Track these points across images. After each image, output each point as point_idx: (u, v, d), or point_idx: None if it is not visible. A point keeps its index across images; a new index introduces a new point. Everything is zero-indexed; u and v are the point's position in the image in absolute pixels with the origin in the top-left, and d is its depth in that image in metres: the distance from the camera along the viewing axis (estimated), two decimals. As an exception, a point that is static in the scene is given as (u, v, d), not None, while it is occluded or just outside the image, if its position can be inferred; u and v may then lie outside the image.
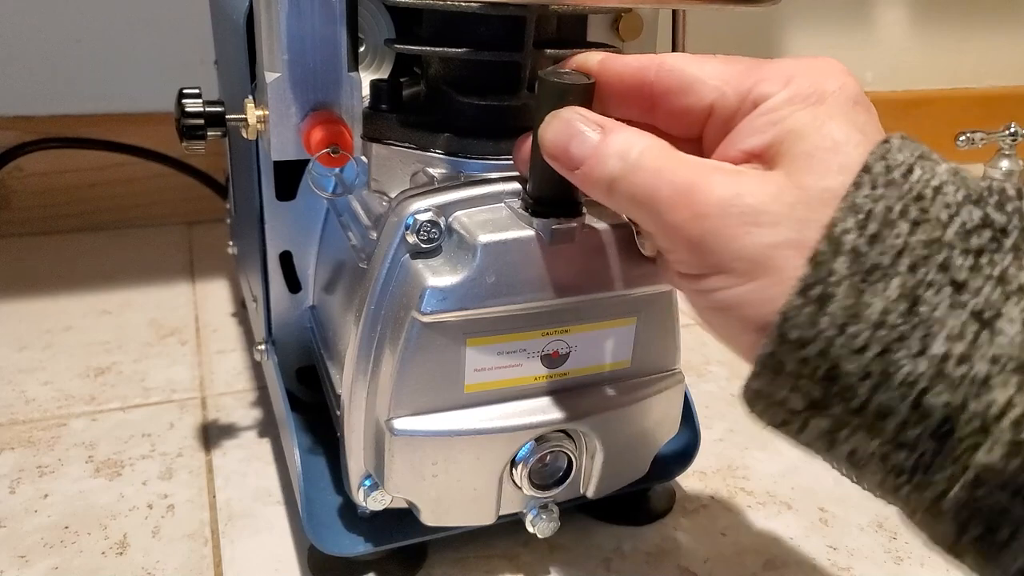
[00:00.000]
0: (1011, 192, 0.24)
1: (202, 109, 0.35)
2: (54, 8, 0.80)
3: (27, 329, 0.66)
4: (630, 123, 0.29)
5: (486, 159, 0.36)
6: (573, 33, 0.41)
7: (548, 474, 0.38)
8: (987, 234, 0.23)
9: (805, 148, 0.25)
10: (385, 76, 0.42)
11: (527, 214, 0.33)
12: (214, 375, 0.60)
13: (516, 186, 0.34)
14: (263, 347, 0.48)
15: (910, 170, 0.24)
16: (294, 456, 0.40)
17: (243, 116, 0.36)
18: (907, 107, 1.15)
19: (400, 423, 0.34)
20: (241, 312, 0.69)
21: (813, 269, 0.24)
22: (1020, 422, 0.21)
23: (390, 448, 0.35)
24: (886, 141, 0.25)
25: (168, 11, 0.83)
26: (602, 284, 0.35)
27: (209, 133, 0.36)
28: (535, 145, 0.32)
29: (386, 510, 0.38)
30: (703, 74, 0.29)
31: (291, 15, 0.34)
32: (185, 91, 0.36)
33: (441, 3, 0.35)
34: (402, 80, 0.41)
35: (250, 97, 0.37)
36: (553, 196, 0.32)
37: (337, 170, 0.38)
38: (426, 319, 0.33)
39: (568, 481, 0.38)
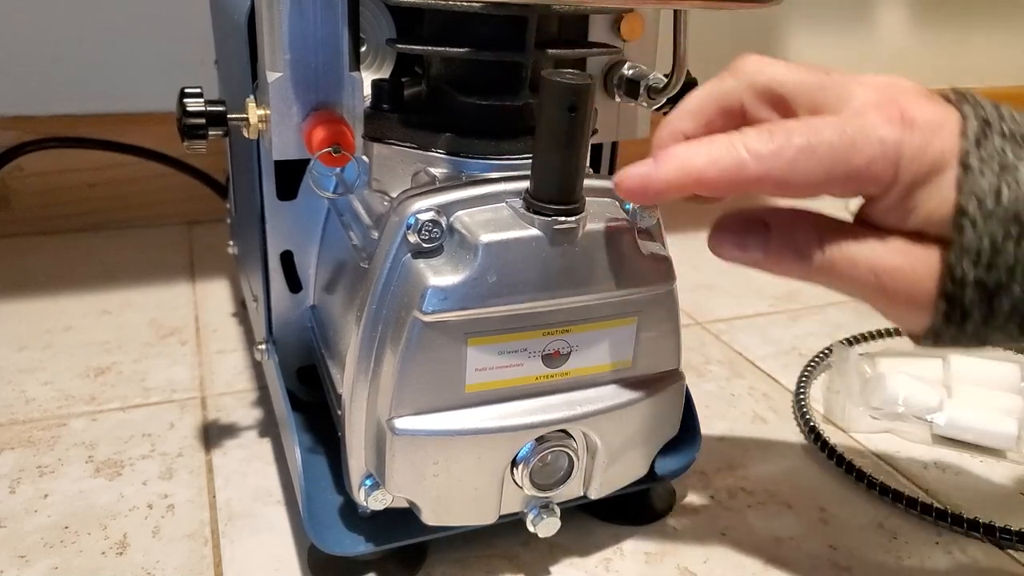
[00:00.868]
0: None
1: (204, 108, 0.35)
2: (55, 8, 0.80)
3: (27, 329, 0.66)
4: None
5: (487, 159, 0.36)
6: (575, 33, 0.41)
7: (549, 474, 0.38)
8: None
9: None
10: (387, 76, 0.42)
11: (528, 214, 0.33)
12: (214, 375, 0.60)
13: (517, 186, 0.34)
14: (264, 347, 0.48)
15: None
16: (295, 455, 0.40)
17: (244, 115, 0.36)
18: (907, 108, 1.15)
19: (401, 423, 0.34)
20: (241, 312, 0.69)
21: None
22: None
23: (391, 448, 0.35)
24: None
25: (168, 11, 0.83)
26: (603, 284, 0.35)
27: (210, 132, 0.36)
28: (536, 145, 0.32)
29: (386, 510, 0.38)
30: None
31: (293, 15, 0.34)
32: (187, 90, 0.36)
33: (443, 3, 0.35)
34: (403, 80, 0.41)
35: (251, 96, 0.37)
36: (554, 196, 0.32)
37: (338, 170, 0.38)
38: (427, 319, 0.33)
39: (569, 481, 0.38)
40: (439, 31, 0.38)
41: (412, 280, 0.33)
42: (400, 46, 0.37)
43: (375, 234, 0.38)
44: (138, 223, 0.88)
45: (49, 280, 0.75)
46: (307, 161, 0.40)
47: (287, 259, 0.46)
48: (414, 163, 0.38)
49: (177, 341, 0.65)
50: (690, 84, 0.39)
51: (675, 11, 0.38)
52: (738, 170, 0.30)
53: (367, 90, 0.39)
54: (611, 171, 0.48)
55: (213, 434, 0.52)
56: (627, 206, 0.36)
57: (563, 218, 0.33)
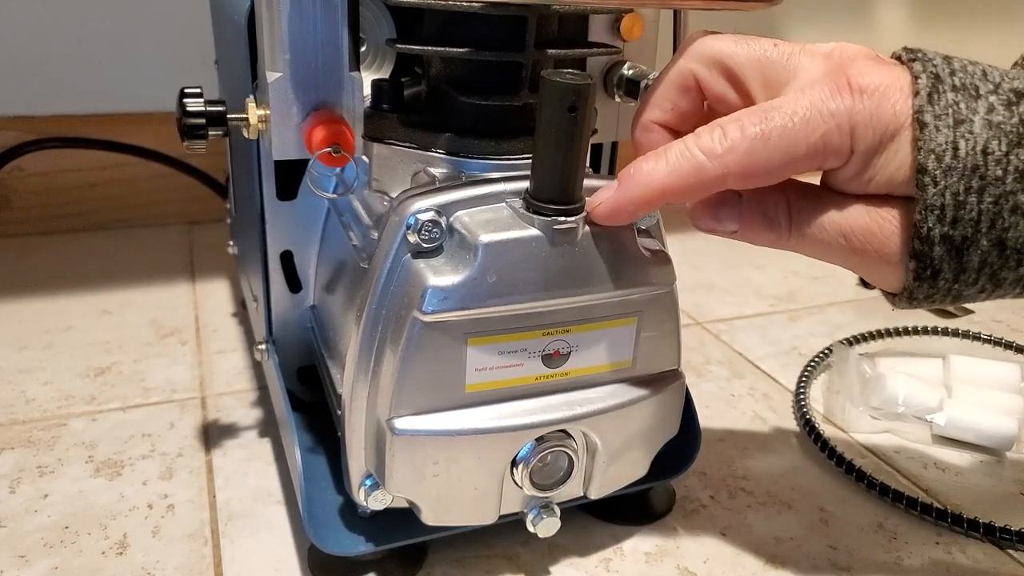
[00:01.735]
0: None
1: (204, 108, 0.35)
2: (55, 8, 0.80)
3: (27, 329, 0.66)
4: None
5: (487, 159, 0.36)
6: (574, 33, 0.41)
7: (549, 474, 0.38)
8: None
9: None
10: (386, 76, 0.42)
11: (528, 214, 0.33)
12: (214, 375, 0.60)
13: (517, 186, 0.34)
14: (264, 347, 0.48)
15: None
16: (295, 455, 0.40)
17: (244, 115, 0.36)
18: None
19: (401, 423, 0.34)
20: (241, 312, 0.69)
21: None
22: None
23: (391, 448, 0.35)
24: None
25: (169, 11, 0.83)
26: (603, 284, 0.35)
27: (210, 132, 0.36)
28: (536, 145, 0.32)
29: (386, 510, 0.38)
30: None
31: (293, 15, 0.34)
32: (187, 90, 0.36)
33: (443, 3, 0.35)
34: (403, 80, 0.41)
35: (251, 97, 0.37)
36: (554, 196, 0.32)
37: (338, 170, 0.38)
38: (427, 319, 0.33)
39: (569, 481, 0.38)
40: (439, 31, 0.38)
41: (412, 280, 0.33)
42: (400, 46, 0.37)
43: (375, 234, 0.38)
44: (138, 223, 0.88)
45: (49, 280, 0.75)
46: (307, 161, 0.40)
47: (287, 259, 0.46)
48: (414, 163, 0.38)
49: (177, 341, 0.65)
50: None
51: (675, 11, 0.38)
52: (698, 173, 0.30)
53: (367, 90, 0.39)
54: (611, 171, 0.48)
55: (213, 434, 0.52)
56: None
57: (563, 218, 0.33)
